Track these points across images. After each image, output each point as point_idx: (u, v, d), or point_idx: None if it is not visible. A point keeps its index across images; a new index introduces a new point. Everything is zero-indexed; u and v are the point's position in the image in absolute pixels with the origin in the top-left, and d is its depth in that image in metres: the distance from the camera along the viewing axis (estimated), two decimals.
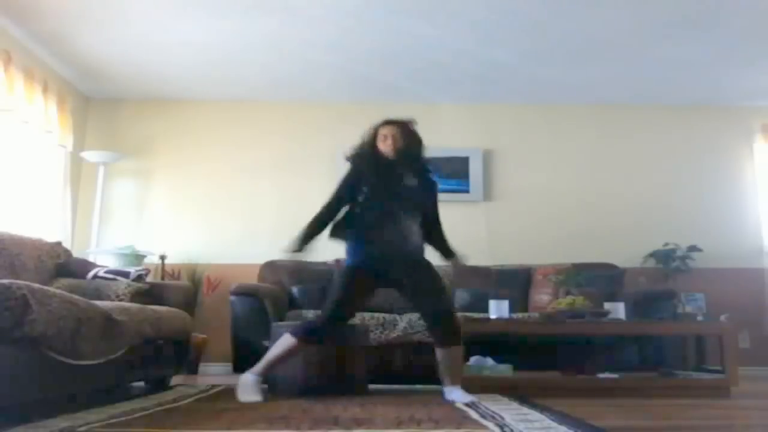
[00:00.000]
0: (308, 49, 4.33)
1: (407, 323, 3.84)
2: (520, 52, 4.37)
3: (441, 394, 2.86)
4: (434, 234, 3.03)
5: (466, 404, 2.60)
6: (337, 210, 2.92)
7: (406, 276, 2.87)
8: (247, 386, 2.74)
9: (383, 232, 2.84)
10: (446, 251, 3.04)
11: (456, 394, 2.76)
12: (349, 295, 2.83)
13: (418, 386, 3.54)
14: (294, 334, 2.78)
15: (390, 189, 2.88)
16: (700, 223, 5.06)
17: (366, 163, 2.93)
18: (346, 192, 2.92)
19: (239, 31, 4.08)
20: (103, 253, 4.47)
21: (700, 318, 4.19)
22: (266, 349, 3.34)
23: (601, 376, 3.28)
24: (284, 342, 2.79)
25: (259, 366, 2.81)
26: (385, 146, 2.91)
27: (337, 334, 2.87)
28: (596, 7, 3.78)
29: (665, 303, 4.09)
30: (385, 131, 2.93)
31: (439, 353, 2.83)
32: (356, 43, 4.26)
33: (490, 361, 3.37)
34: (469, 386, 3.08)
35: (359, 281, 2.85)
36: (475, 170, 5.12)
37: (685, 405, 2.74)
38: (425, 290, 2.86)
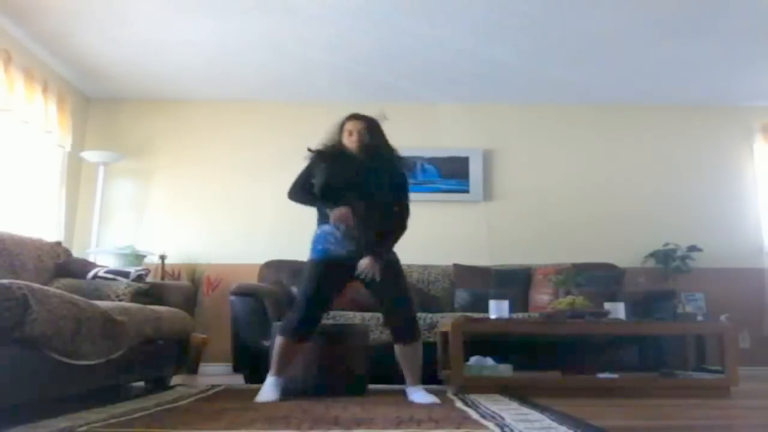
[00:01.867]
0: (308, 49, 4.33)
1: None
2: (520, 52, 4.37)
3: (404, 394, 2.85)
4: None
5: (429, 404, 2.61)
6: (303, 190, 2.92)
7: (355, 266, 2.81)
8: (264, 387, 2.78)
9: (341, 226, 2.81)
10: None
11: (417, 395, 2.76)
12: (319, 289, 2.80)
13: None
14: (281, 333, 2.82)
15: (348, 182, 2.83)
16: (700, 223, 5.06)
17: (328, 157, 2.90)
18: (305, 181, 2.92)
19: (239, 31, 4.08)
20: (103, 253, 4.47)
21: (700, 318, 4.19)
22: (266, 348, 3.36)
23: (601, 376, 3.28)
24: (276, 342, 2.83)
25: (271, 367, 2.83)
26: (350, 142, 2.88)
27: (316, 329, 2.85)
28: (596, 7, 3.78)
29: (665, 303, 4.09)
30: (350, 126, 2.90)
31: (398, 350, 2.82)
32: (356, 43, 4.26)
33: (490, 361, 3.36)
34: (470, 386, 3.09)
35: (326, 275, 2.81)
36: (475, 170, 5.12)
37: (685, 405, 2.74)
38: (383, 284, 2.80)
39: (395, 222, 2.91)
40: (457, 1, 3.72)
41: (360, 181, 2.84)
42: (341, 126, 2.94)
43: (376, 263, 2.78)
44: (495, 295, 3.76)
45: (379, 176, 2.86)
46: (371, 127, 2.91)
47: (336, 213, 2.76)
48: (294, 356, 2.85)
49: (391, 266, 2.86)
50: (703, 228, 5.02)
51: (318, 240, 2.86)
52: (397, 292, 2.84)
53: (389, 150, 2.95)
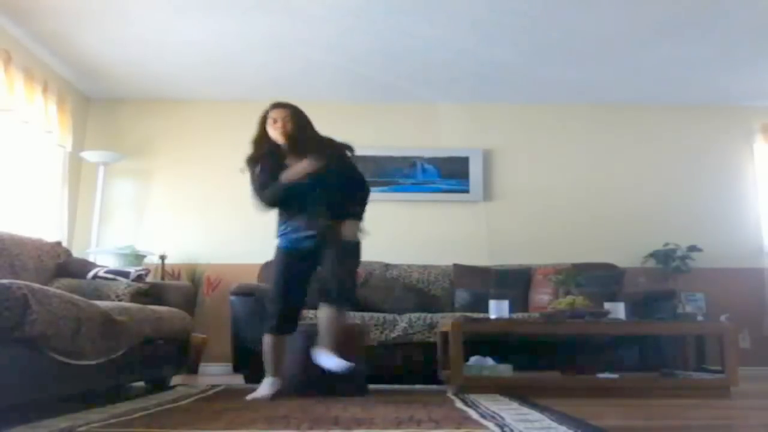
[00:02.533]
0: (308, 49, 4.33)
1: (407, 323, 3.84)
2: (520, 52, 4.37)
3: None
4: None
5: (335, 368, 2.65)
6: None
7: (318, 251, 2.83)
8: (261, 386, 2.83)
9: (292, 217, 2.87)
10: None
11: (325, 358, 2.73)
12: (288, 279, 2.85)
13: (418, 386, 3.54)
14: (267, 331, 2.85)
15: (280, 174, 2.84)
16: (700, 223, 5.06)
17: (258, 160, 2.94)
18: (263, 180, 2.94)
19: (239, 31, 4.08)
20: (103, 253, 4.47)
21: (700, 318, 4.20)
22: None
23: (601, 376, 3.28)
24: (264, 341, 2.86)
25: (267, 369, 2.88)
26: (274, 129, 2.87)
27: (298, 320, 2.90)
28: (596, 7, 3.78)
29: (665, 303, 4.09)
30: (274, 114, 2.89)
31: (321, 311, 2.80)
32: (356, 43, 4.26)
33: (490, 361, 3.36)
34: (470, 386, 3.09)
35: (291, 264, 2.86)
36: (475, 170, 5.13)
37: (685, 405, 2.74)
38: (332, 254, 2.79)
39: (354, 192, 2.90)
40: (457, 1, 3.72)
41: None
42: (265, 115, 2.93)
43: (354, 225, 2.82)
44: (495, 295, 3.75)
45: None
46: (294, 114, 2.89)
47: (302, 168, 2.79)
48: (283, 353, 2.89)
49: (347, 244, 2.82)
50: (703, 228, 5.02)
51: (281, 231, 2.90)
52: (339, 261, 2.78)
53: (311, 133, 2.91)
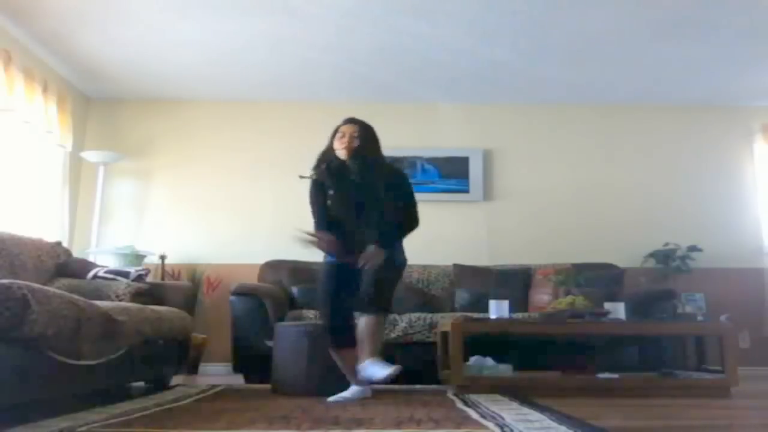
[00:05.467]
0: (307, 49, 4.33)
1: (407, 323, 3.84)
2: (519, 52, 4.37)
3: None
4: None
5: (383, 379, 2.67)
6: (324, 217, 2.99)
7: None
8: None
9: (343, 231, 2.91)
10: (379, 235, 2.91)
11: (371, 369, 2.75)
12: (335, 291, 2.92)
13: (418, 386, 3.54)
14: (329, 346, 2.92)
15: (343, 190, 2.94)
16: (700, 223, 5.06)
17: (322, 173, 2.99)
18: (317, 205, 3.01)
19: (239, 31, 4.08)
20: (103, 253, 4.47)
21: (700, 318, 4.19)
22: (267, 348, 3.38)
23: (601, 376, 3.28)
24: (332, 355, 2.92)
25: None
26: (340, 143, 2.93)
27: (350, 327, 2.91)
28: (596, 7, 3.78)
29: (665, 303, 4.09)
30: (343, 129, 2.97)
31: (360, 321, 2.87)
32: (355, 43, 4.26)
33: (490, 361, 3.36)
34: (470, 386, 3.09)
35: (337, 275, 2.93)
36: (475, 170, 5.12)
37: (685, 405, 2.74)
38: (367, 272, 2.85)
39: (403, 216, 2.97)
40: (456, 1, 3.72)
41: (353, 192, 2.92)
42: (336, 129, 3.01)
43: (379, 253, 2.82)
44: (495, 295, 3.76)
45: (368, 180, 2.91)
46: (362, 131, 2.96)
47: (322, 242, 2.87)
48: (352, 359, 2.86)
49: (388, 262, 2.87)
50: (703, 228, 5.02)
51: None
52: (371, 280, 2.84)
53: (375, 154, 2.98)
